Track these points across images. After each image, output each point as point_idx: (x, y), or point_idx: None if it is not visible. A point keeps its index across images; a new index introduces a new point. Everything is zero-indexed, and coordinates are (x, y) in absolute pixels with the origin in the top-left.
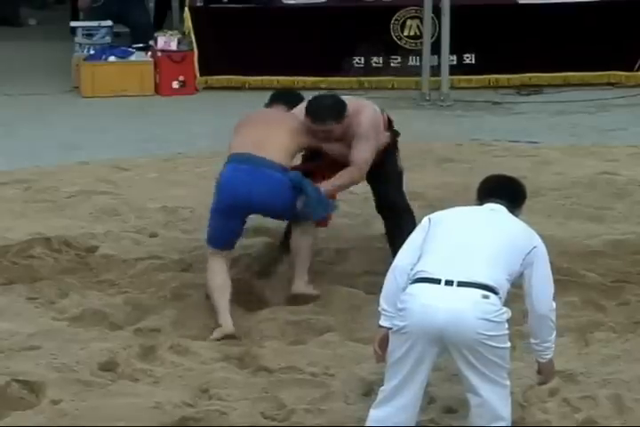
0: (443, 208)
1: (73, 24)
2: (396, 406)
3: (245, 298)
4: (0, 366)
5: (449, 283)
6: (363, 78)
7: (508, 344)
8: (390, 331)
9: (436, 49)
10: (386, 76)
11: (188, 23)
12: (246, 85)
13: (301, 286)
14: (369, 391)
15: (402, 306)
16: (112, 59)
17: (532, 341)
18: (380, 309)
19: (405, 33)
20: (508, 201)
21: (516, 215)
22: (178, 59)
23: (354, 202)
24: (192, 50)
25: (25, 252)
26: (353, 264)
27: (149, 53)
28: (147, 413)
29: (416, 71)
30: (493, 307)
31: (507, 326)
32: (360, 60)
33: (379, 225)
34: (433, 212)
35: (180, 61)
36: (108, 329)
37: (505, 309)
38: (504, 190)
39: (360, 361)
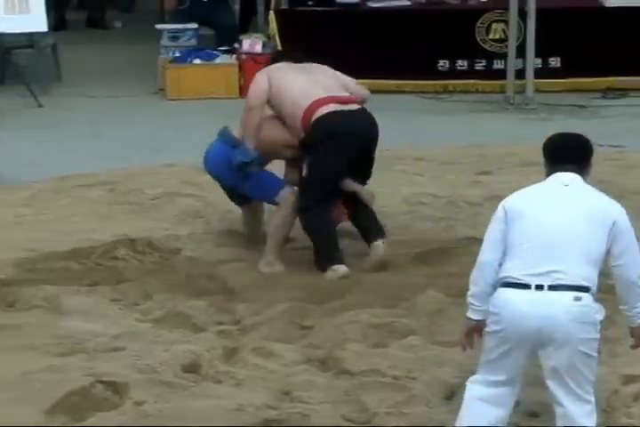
0: None
1: (159, 26)
2: (494, 395)
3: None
4: (84, 367)
5: (539, 287)
6: (447, 82)
7: (596, 354)
8: (486, 331)
9: (521, 52)
10: (470, 80)
11: (273, 26)
12: None
13: (262, 265)
14: (451, 395)
15: (495, 310)
16: (197, 61)
17: (622, 307)
18: (468, 302)
19: (490, 36)
20: (578, 163)
21: (585, 176)
22: (263, 61)
23: (436, 205)
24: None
25: (109, 253)
26: (435, 267)
27: (234, 56)
28: (229, 415)
29: (501, 74)
30: (586, 308)
31: (599, 328)
32: (445, 63)
33: (462, 228)
34: None
35: (264, 64)
36: (191, 331)
37: (598, 307)
38: (573, 153)
39: (442, 364)
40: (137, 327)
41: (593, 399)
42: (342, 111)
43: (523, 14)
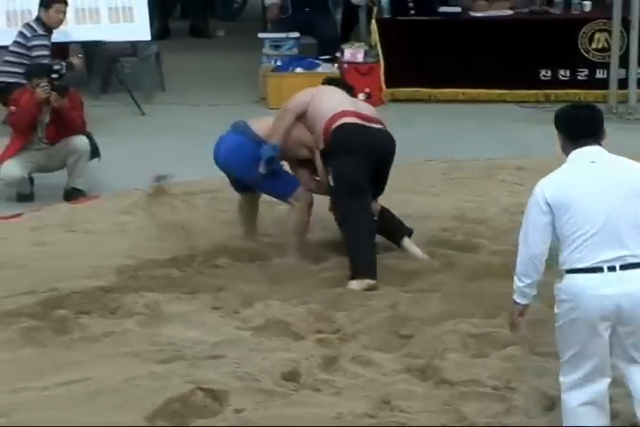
0: None
1: (261, 35)
2: (591, 392)
3: None
4: (184, 375)
5: (611, 269)
6: (549, 91)
7: None
8: (560, 323)
9: (623, 62)
10: (572, 89)
11: (375, 35)
12: (432, 98)
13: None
14: (551, 406)
15: (568, 297)
16: (299, 70)
17: None
18: (516, 287)
19: (593, 46)
20: (598, 134)
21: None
22: (364, 71)
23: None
24: (378, 62)
25: (210, 261)
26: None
27: (336, 65)
28: (328, 423)
29: (603, 84)
30: None
31: None
32: (547, 72)
33: None
34: None
35: (366, 73)
36: (290, 339)
37: None
38: (591, 124)
39: (542, 375)
40: (237, 335)
41: None
42: (363, 125)
43: (626, 23)
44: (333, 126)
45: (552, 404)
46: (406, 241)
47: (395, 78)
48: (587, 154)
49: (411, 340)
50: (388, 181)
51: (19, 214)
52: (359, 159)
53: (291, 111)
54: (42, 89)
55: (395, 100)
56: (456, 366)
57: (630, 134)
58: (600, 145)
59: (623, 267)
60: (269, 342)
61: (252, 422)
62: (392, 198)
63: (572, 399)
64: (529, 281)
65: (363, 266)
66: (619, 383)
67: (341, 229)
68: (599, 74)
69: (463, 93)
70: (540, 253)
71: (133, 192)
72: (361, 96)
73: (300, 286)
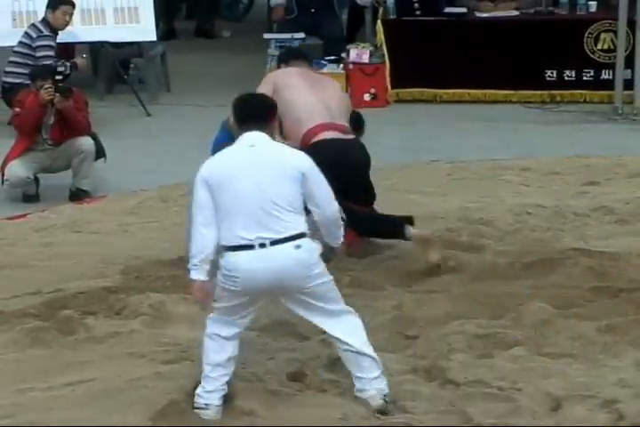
0: (634, 223)
1: (266, 36)
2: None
3: None
4: (190, 375)
5: (262, 246)
6: (555, 92)
7: (328, 278)
8: (218, 290)
9: (629, 63)
10: (578, 90)
11: (381, 36)
12: (437, 98)
13: None
14: (557, 407)
15: (226, 272)
16: None
17: (326, 238)
18: (194, 266)
19: (599, 46)
20: (263, 122)
21: (273, 133)
22: (370, 71)
23: (542, 215)
24: (384, 62)
25: (216, 262)
26: (541, 278)
27: (341, 66)
28: (334, 424)
29: (609, 85)
30: (307, 253)
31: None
32: (552, 73)
33: (568, 239)
34: (624, 227)
35: (371, 74)
36: (296, 339)
37: (315, 245)
38: (258, 112)
39: (548, 376)
40: (242, 335)
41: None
42: (339, 139)
43: (631, 24)
44: (313, 140)
45: (558, 404)
46: (410, 229)
47: (400, 79)
48: (248, 138)
49: (416, 340)
50: (392, 182)
51: (24, 215)
52: (335, 178)
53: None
54: (45, 90)
55: (400, 100)
56: (461, 367)
57: (636, 135)
58: (266, 130)
59: (274, 242)
60: (275, 343)
61: (257, 423)
62: (397, 199)
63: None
64: (201, 256)
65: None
66: (624, 384)
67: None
68: (605, 74)
69: (469, 94)
70: (203, 231)
71: (139, 193)
72: (366, 97)
73: None
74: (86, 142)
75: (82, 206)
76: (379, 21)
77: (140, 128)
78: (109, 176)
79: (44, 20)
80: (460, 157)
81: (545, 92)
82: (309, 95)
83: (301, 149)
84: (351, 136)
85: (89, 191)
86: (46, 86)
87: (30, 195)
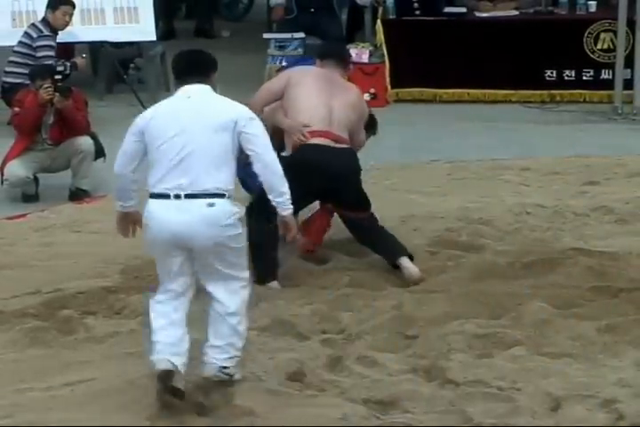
0: (634, 223)
1: (266, 36)
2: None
3: None
4: (190, 374)
5: (177, 197)
6: (554, 92)
7: (241, 245)
8: (145, 243)
9: (629, 62)
10: (577, 90)
11: (380, 36)
12: (437, 98)
13: None
14: (556, 406)
15: (145, 219)
16: None
17: (270, 196)
18: (118, 203)
19: (599, 46)
20: (203, 75)
21: (213, 86)
22: (369, 71)
23: (542, 215)
24: (384, 62)
25: None
26: (541, 277)
27: None
28: (333, 424)
29: (608, 84)
30: (220, 213)
31: (240, 224)
32: (552, 73)
33: (568, 238)
34: (623, 226)
35: (371, 74)
36: (295, 339)
37: (232, 208)
38: (196, 66)
39: (548, 376)
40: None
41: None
42: (324, 146)
43: (631, 24)
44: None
45: (557, 404)
46: (404, 260)
47: (400, 79)
48: (186, 91)
49: (416, 340)
50: (392, 182)
51: (24, 215)
52: (303, 182)
53: (252, 105)
54: (45, 90)
55: (400, 100)
56: (461, 367)
57: (635, 135)
58: (206, 84)
59: (188, 196)
60: (274, 343)
61: (257, 423)
62: (397, 199)
63: (156, 313)
64: (123, 194)
65: (265, 271)
66: (623, 384)
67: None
68: (604, 74)
69: (468, 94)
70: (124, 175)
71: (139, 192)
72: (366, 97)
73: (305, 286)
74: (86, 142)
75: (81, 206)
76: (378, 21)
77: None
78: (109, 176)
79: (44, 20)
80: (460, 157)
81: (545, 91)
82: (315, 97)
83: (292, 150)
84: (342, 145)
85: (89, 191)
86: (46, 86)
87: (30, 195)
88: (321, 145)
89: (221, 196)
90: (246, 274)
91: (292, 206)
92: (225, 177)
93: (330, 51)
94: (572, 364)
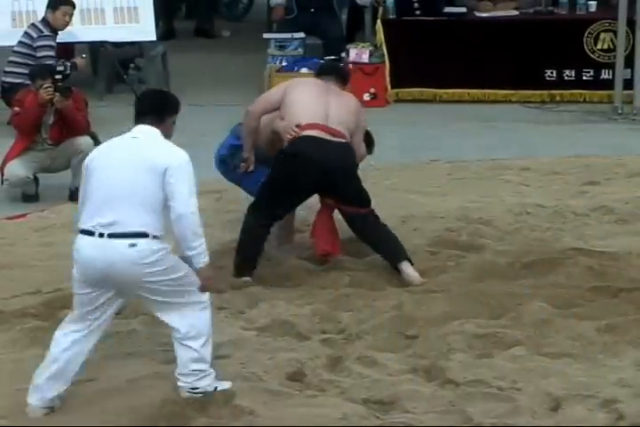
0: (634, 223)
1: (266, 36)
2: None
3: None
4: None
5: (101, 235)
6: (554, 91)
7: (176, 275)
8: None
9: (629, 62)
10: (577, 90)
11: (380, 36)
12: (437, 98)
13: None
14: (556, 406)
15: (74, 255)
16: (304, 70)
17: (185, 251)
18: None
19: (599, 46)
20: (155, 116)
21: (166, 129)
22: (369, 71)
23: (542, 215)
24: (384, 62)
25: (215, 262)
26: (541, 277)
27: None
28: (333, 424)
29: (608, 84)
30: (142, 252)
31: (165, 261)
32: (552, 73)
33: (568, 238)
34: (623, 226)
35: (371, 74)
36: (295, 339)
37: (157, 247)
38: (150, 107)
39: (548, 376)
40: (242, 335)
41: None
42: (319, 138)
43: (631, 24)
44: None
45: (557, 404)
46: (405, 264)
47: (400, 79)
48: (136, 130)
49: (416, 340)
50: (392, 181)
51: (24, 215)
52: (295, 175)
53: (251, 113)
54: (45, 90)
55: (400, 100)
56: (461, 367)
57: (635, 135)
58: (158, 127)
59: (111, 235)
60: (274, 343)
61: (256, 423)
62: (397, 198)
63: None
64: None
65: (241, 266)
66: (623, 384)
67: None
68: (604, 74)
69: (468, 94)
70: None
71: None
72: (366, 97)
73: (305, 286)
74: (85, 142)
75: None
76: (378, 21)
77: None
78: None
79: (44, 20)
80: (460, 157)
81: (545, 91)
82: (310, 100)
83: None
84: (339, 139)
85: None
86: (46, 86)
87: (30, 194)
88: (316, 137)
89: (144, 235)
90: (202, 297)
91: (204, 260)
92: (152, 221)
93: (328, 68)
94: (572, 364)
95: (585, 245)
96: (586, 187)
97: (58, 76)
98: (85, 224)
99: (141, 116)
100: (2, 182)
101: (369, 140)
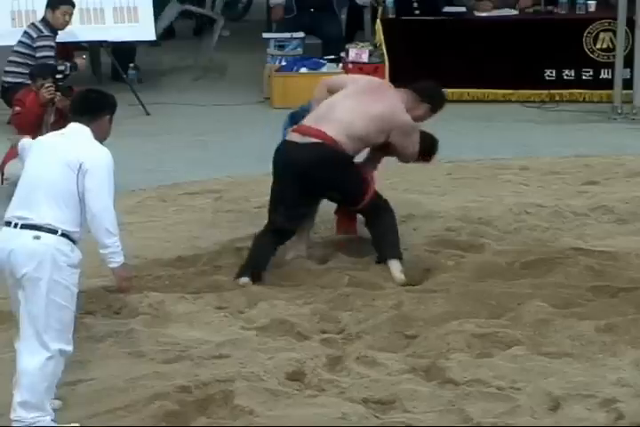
0: (633, 222)
1: (265, 35)
2: None
3: None
4: (189, 374)
5: (15, 226)
6: (554, 91)
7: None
8: None
9: (628, 62)
10: (577, 89)
11: (380, 35)
12: None
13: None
14: (556, 406)
15: None
16: (303, 70)
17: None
18: None
19: (598, 46)
20: (86, 114)
21: (97, 128)
22: (369, 71)
23: (542, 215)
24: (383, 62)
25: (215, 261)
26: (540, 277)
27: (340, 65)
28: (333, 423)
29: (608, 84)
30: (44, 247)
31: (67, 265)
32: (552, 72)
33: (567, 238)
34: (623, 226)
35: (370, 73)
36: (295, 339)
37: (65, 247)
38: (83, 105)
39: (547, 375)
40: (241, 335)
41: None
42: (292, 143)
43: (631, 23)
44: None
45: (557, 404)
46: (390, 262)
47: (399, 78)
48: (67, 127)
49: (415, 340)
50: (392, 181)
51: None
52: (282, 181)
53: (322, 82)
54: (46, 90)
55: None
56: (461, 366)
57: (634, 134)
58: (89, 125)
59: (23, 226)
60: (274, 342)
61: (256, 422)
62: (397, 198)
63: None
64: None
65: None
66: (623, 384)
67: None
68: (604, 74)
69: (468, 93)
70: None
71: (138, 192)
72: None
73: (304, 285)
74: None
75: None
76: (378, 21)
77: (140, 127)
78: None
79: (44, 20)
80: (460, 157)
81: (544, 91)
82: (339, 96)
83: None
84: (311, 140)
85: None
86: (47, 85)
87: None
88: (287, 141)
89: (53, 232)
90: (57, 345)
91: (119, 260)
92: (66, 217)
93: (425, 88)
94: (571, 363)
95: (584, 245)
96: (585, 186)
97: (59, 76)
98: (7, 216)
99: (75, 115)
100: (2, 182)
101: (431, 150)
